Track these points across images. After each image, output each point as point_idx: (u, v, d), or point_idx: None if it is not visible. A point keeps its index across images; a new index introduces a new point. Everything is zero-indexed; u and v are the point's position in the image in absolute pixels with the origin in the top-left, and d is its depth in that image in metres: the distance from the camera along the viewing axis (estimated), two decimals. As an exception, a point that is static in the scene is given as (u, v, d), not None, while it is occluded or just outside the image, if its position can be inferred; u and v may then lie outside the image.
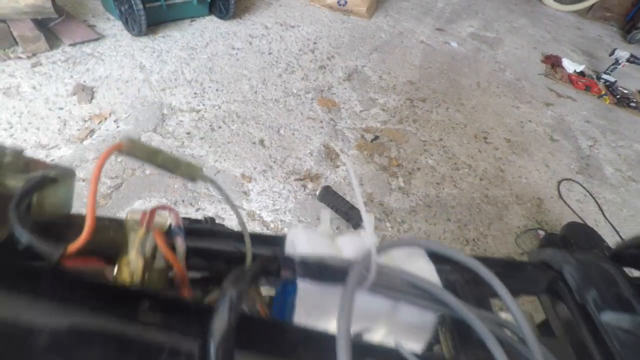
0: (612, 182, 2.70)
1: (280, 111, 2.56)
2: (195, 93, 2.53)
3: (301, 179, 2.12)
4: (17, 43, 2.41)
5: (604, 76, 3.86)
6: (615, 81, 3.81)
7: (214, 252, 0.37)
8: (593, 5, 5.50)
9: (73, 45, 2.60)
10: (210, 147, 2.18)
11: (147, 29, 2.83)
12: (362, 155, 2.39)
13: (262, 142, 2.31)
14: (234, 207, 0.36)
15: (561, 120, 3.19)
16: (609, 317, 0.42)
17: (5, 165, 0.29)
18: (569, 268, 0.45)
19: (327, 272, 0.30)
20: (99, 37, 2.75)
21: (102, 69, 2.51)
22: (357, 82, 3.03)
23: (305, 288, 0.30)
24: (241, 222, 0.36)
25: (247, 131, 2.35)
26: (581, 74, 3.88)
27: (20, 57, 2.38)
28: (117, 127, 2.16)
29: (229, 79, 2.72)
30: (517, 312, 0.33)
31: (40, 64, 2.41)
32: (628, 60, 3.70)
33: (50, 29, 2.60)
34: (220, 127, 2.33)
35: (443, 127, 2.79)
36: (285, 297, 0.33)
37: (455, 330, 0.35)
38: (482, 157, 2.60)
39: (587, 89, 3.65)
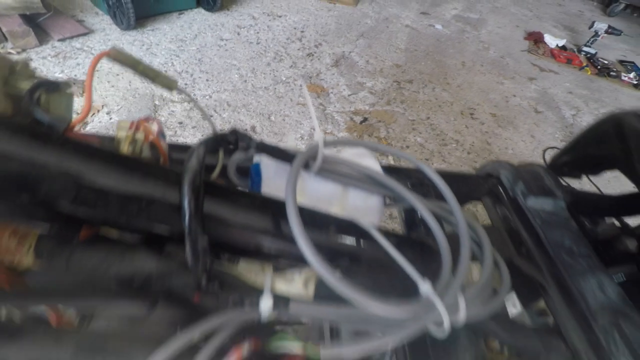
0: (596, 151, 2.79)
1: (270, 98, 2.61)
2: (186, 84, 2.57)
3: (294, 160, 2.18)
4: (6, 39, 2.43)
5: (585, 49, 3.95)
6: (596, 53, 3.91)
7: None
8: (574, -17, 5.57)
9: (62, 40, 2.63)
10: (202, 135, 2.23)
11: (135, 23, 2.86)
12: (351, 136, 2.45)
13: (253, 128, 2.36)
14: (205, 114, 0.44)
15: (545, 93, 3.27)
16: (532, 202, 0.50)
17: (18, 71, 0.36)
18: (505, 172, 0.53)
19: (281, 153, 0.37)
20: (88, 32, 2.77)
21: (92, 64, 2.55)
22: (344, 68, 3.08)
23: (266, 163, 0.37)
24: (207, 118, 0.44)
25: (238, 118, 2.40)
26: (563, 48, 3.96)
27: (10, 53, 2.41)
28: (110, 118, 2.20)
29: (218, 69, 2.76)
30: (448, 194, 0.39)
31: (31, 60, 2.44)
32: (606, 32, 3.79)
33: (39, 24, 2.63)
34: (211, 116, 2.38)
35: (430, 106, 2.85)
36: (255, 175, 0.39)
37: (403, 212, 0.43)
38: (469, 132, 2.68)
39: (569, 61, 3.73)
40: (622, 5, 5.04)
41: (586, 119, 3.05)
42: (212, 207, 0.34)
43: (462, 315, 0.35)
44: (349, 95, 2.80)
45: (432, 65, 3.34)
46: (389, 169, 0.45)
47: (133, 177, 0.32)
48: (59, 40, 2.61)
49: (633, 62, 3.93)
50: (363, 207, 0.40)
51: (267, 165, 0.38)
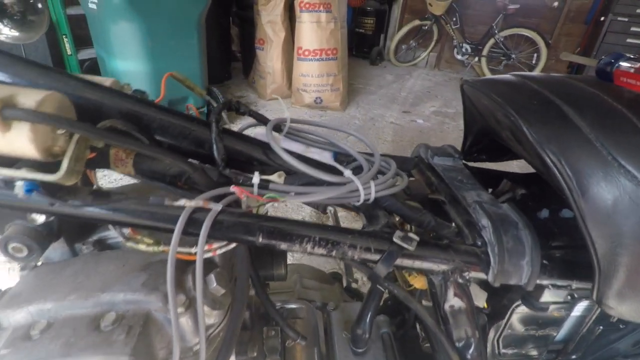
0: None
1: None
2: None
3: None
4: None
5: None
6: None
7: None
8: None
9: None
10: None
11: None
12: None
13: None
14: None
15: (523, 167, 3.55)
16: (437, 160, 0.72)
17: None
18: (422, 149, 0.76)
19: (264, 118, 0.61)
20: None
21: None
22: (338, 159, 3.44)
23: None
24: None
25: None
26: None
27: None
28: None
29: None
30: (370, 146, 0.60)
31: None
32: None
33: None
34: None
35: (419, 185, 3.11)
36: None
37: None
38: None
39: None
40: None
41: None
42: (226, 138, 0.57)
43: (372, 191, 0.53)
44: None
45: (418, 152, 3.71)
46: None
47: (186, 120, 0.58)
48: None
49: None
50: (319, 158, 0.60)
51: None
